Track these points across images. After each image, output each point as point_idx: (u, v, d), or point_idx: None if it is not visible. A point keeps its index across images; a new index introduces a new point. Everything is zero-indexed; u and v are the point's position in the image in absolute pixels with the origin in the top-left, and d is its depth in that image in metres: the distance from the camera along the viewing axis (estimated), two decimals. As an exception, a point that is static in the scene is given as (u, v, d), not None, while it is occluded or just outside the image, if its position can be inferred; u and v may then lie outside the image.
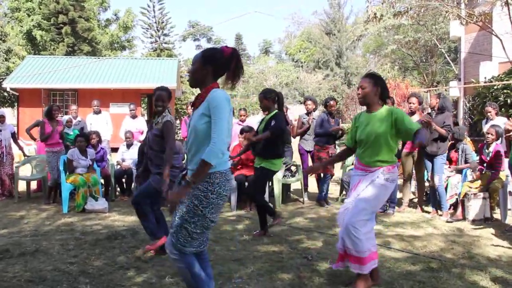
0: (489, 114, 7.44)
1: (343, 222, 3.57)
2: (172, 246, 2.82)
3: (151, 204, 4.52)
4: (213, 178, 2.75)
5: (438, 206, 6.50)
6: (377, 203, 3.59)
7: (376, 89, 3.61)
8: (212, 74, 2.85)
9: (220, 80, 2.91)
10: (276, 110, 5.32)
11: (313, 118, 7.69)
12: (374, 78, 3.66)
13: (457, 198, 6.77)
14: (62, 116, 8.60)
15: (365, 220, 3.50)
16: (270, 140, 5.20)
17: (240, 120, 8.76)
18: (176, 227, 2.81)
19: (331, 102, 7.30)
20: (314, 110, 7.92)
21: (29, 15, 33.50)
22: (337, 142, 7.75)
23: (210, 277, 3.00)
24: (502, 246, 4.92)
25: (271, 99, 5.28)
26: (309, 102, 7.81)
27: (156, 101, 4.49)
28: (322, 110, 7.83)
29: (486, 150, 6.36)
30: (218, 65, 2.84)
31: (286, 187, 7.91)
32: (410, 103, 6.70)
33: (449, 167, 6.78)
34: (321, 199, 7.35)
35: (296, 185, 8.46)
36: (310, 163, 7.81)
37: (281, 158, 5.43)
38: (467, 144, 7.13)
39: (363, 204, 3.50)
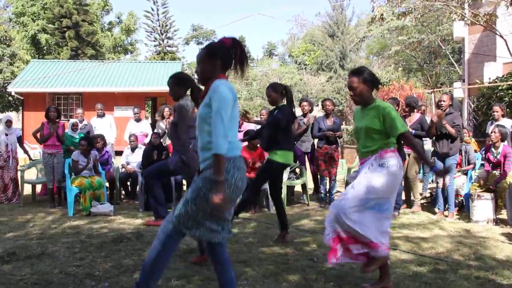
0: (495, 113, 7.36)
1: (332, 211, 3.50)
2: (168, 221, 2.84)
3: (161, 178, 5.22)
4: None
5: (445, 207, 6.47)
6: (374, 189, 3.40)
7: (367, 86, 3.55)
8: (221, 67, 2.83)
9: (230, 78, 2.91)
10: (284, 104, 5.24)
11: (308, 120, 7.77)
12: (363, 75, 3.55)
13: (462, 199, 6.76)
14: (68, 120, 8.62)
15: (356, 207, 3.39)
16: (270, 132, 5.11)
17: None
18: (179, 206, 2.80)
19: (326, 102, 7.40)
20: (310, 111, 8.00)
21: (33, 20, 33.69)
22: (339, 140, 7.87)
23: (228, 261, 2.94)
24: (510, 244, 4.90)
25: (279, 92, 5.15)
26: (304, 103, 7.94)
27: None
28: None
29: (494, 150, 6.32)
30: (225, 56, 2.83)
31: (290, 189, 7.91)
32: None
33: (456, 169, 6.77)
34: (322, 199, 7.41)
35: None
36: (307, 164, 8.10)
37: (283, 150, 5.07)
38: (470, 145, 7.12)
39: (352, 192, 3.46)
